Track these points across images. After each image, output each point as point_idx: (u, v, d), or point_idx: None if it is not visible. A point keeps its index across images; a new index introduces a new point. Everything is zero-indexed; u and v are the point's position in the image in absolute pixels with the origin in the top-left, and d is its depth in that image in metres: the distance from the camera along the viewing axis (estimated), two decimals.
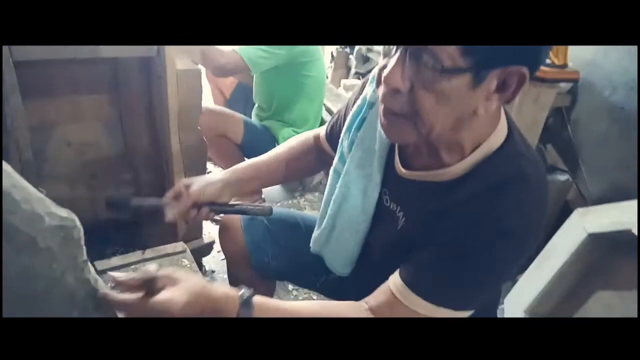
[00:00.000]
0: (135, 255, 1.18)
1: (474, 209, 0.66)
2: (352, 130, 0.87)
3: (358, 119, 0.87)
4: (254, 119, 1.96)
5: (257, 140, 1.86)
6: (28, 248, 0.51)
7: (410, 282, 0.70)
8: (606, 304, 1.31)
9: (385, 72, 0.62)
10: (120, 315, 0.63)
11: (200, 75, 1.35)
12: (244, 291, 0.68)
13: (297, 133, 1.90)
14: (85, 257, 0.59)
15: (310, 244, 0.99)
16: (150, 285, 0.60)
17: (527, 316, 1.43)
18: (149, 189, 1.63)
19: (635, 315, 1.22)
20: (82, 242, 0.59)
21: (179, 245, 1.24)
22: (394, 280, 0.73)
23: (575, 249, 1.33)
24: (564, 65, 1.49)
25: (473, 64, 0.57)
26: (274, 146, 1.87)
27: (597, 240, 1.31)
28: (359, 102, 0.89)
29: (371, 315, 0.73)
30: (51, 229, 0.53)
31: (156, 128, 1.50)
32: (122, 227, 1.67)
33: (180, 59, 1.31)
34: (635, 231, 1.18)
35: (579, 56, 1.91)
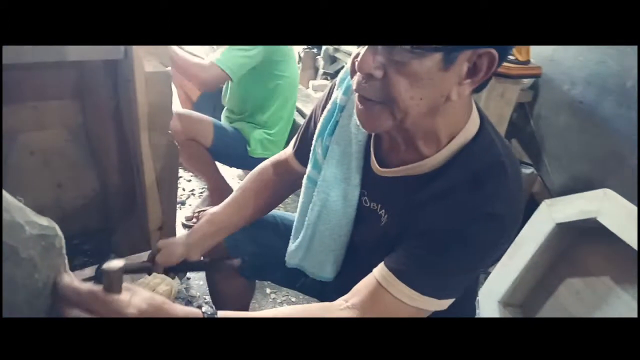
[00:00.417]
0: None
1: (456, 198, 0.68)
2: (325, 135, 0.87)
3: (330, 123, 0.87)
4: (223, 122, 1.94)
5: (228, 143, 1.83)
6: (10, 258, 0.49)
7: (396, 270, 0.71)
8: (575, 290, 1.36)
9: (358, 59, 0.63)
10: (67, 306, 0.55)
11: (170, 78, 1.32)
12: (205, 310, 0.67)
13: (269, 135, 1.89)
14: (67, 266, 0.57)
15: (286, 259, 0.98)
16: (110, 281, 0.56)
17: (501, 307, 1.47)
18: (118, 197, 1.58)
19: (603, 304, 1.27)
20: (64, 251, 0.57)
21: None
22: (379, 269, 0.73)
23: (544, 239, 1.38)
24: (527, 62, 1.54)
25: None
26: (245, 149, 1.87)
27: (564, 229, 1.37)
28: (328, 107, 0.88)
29: (349, 314, 0.72)
30: (32, 238, 0.51)
31: (124, 133, 1.46)
32: (91, 237, 1.62)
33: (148, 61, 1.28)
34: (601, 219, 1.24)
35: (539, 52, 1.98)
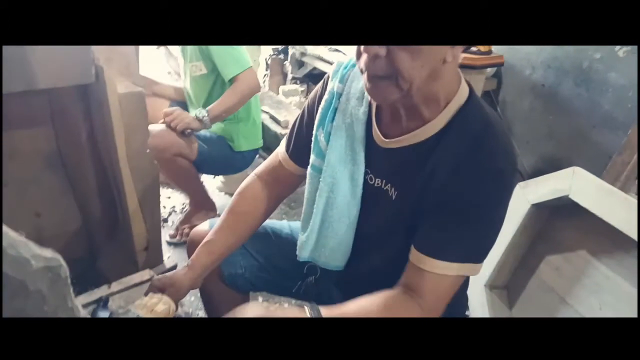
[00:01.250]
0: (102, 290, 1.14)
1: (461, 161, 0.73)
2: (326, 123, 0.92)
3: (329, 111, 0.91)
4: (201, 131, 1.94)
5: (212, 150, 1.83)
6: (19, 293, 0.50)
7: (429, 251, 0.75)
8: (555, 266, 1.43)
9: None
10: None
11: (144, 97, 1.31)
12: (310, 307, 0.73)
13: (247, 125, 1.90)
14: (72, 295, 0.58)
15: (298, 252, 0.99)
16: None
17: (487, 290, 1.52)
18: (100, 221, 1.57)
19: (582, 276, 1.34)
20: (69, 280, 0.58)
21: (146, 274, 1.20)
22: (413, 256, 0.78)
23: (521, 221, 1.43)
24: (489, 52, 1.60)
25: None
26: (229, 151, 1.87)
27: (539, 209, 1.43)
28: (326, 97, 0.93)
29: (411, 302, 0.76)
30: (39, 271, 0.52)
31: (101, 156, 1.45)
32: (74, 265, 1.60)
33: (120, 82, 1.28)
34: (572, 196, 1.30)
35: None
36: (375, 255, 0.81)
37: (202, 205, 1.95)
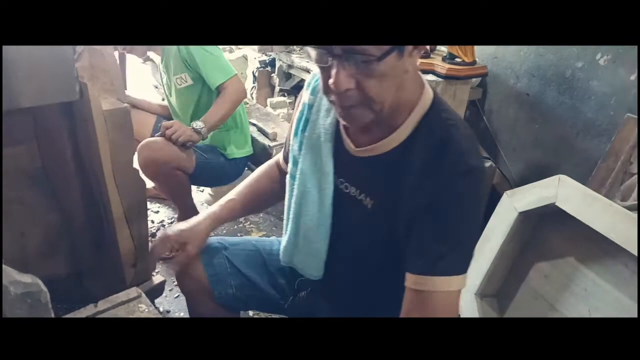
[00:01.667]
0: (88, 310, 1.12)
1: (431, 166, 0.74)
2: (299, 133, 0.94)
3: (302, 121, 0.94)
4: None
5: (207, 161, 1.84)
6: None
7: (422, 269, 0.74)
8: (544, 274, 1.43)
9: (332, 81, 0.70)
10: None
11: (129, 113, 1.31)
12: None
13: (237, 132, 1.92)
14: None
15: (280, 256, 1.01)
16: None
17: (478, 299, 1.52)
18: (86, 239, 1.55)
19: (571, 283, 1.34)
20: (50, 305, 0.57)
21: (132, 292, 1.19)
22: (408, 278, 0.76)
23: (509, 229, 1.44)
24: (474, 62, 1.62)
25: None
26: (222, 160, 1.87)
27: (527, 217, 1.43)
28: (299, 107, 0.96)
29: None
30: (18, 298, 0.51)
31: (86, 173, 1.43)
32: (61, 282, 1.57)
33: (104, 99, 1.27)
34: (559, 204, 1.31)
35: (483, 51, 2.08)
36: (359, 267, 0.81)
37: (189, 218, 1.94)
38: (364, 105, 0.73)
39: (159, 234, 1.03)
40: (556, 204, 1.31)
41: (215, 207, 1.03)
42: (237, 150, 1.91)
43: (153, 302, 1.62)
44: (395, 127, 0.80)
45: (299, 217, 0.94)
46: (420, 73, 0.82)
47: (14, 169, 1.42)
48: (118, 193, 1.36)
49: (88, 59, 1.22)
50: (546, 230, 1.44)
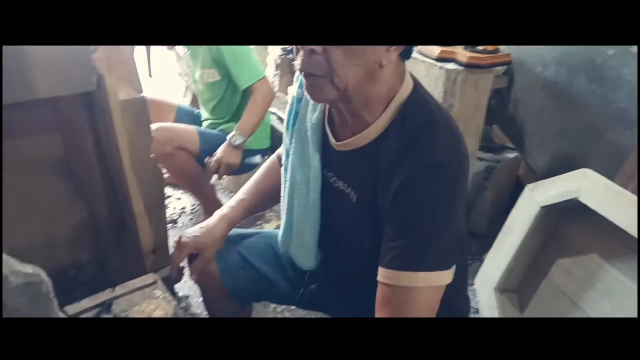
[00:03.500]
0: (105, 294, 1.15)
1: (401, 159, 0.73)
2: (290, 126, 0.95)
3: (292, 115, 0.95)
4: (208, 130, 1.95)
5: (216, 146, 1.84)
6: None
7: (390, 263, 0.75)
8: (566, 270, 1.39)
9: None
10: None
11: (146, 103, 1.32)
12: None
13: None
14: (57, 310, 0.58)
15: (279, 245, 1.02)
16: None
17: (497, 293, 1.49)
18: (108, 225, 1.58)
19: (594, 279, 1.30)
20: (52, 294, 0.58)
21: (149, 277, 1.22)
22: (380, 273, 0.77)
23: (531, 223, 1.40)
24: (496, 50, 1.57)
25: None
26: (253, 163, 1.87)
27: (549, 211, 1.39)
28: (290, 101, 0.97)
29: None
30: (18, 288, 0.52)
31: (107, 163, 1.46)
32: (85, 268, 1.62)
33: (121, 89, 1.28)
34: (582, 199, 1.26)
35: None
36: (354, 260, 0.81)
37: (213, 211, 1.96)
38: (327, 77, 0.73)
39: (175, 240, 1.04)
40: (579, 198, 1.27)
41: (227, 208, 1.03)
42: (255, 142, 1.91)
43: (172, 287, 1.65)
44: (370, 122, 0.79)
45: (291, 208, 0.95)
46: (406, 70, 0.80)
47: (39, 157, 1.46)
48: (136, 181, 1.38)
49: (105, 50, 1.23)
50: (569, 225, 1.39)
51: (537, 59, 1.94)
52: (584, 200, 1.25)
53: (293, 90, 0.95)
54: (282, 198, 0.99)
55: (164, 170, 1.86)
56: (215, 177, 1.79)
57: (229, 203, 1.06)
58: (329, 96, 0.75)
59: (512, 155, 2.00)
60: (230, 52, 1.70)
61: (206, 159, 1.76)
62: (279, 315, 1.61)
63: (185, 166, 1.83)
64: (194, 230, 1.01)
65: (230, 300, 1.10)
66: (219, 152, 1.74)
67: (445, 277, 0.75)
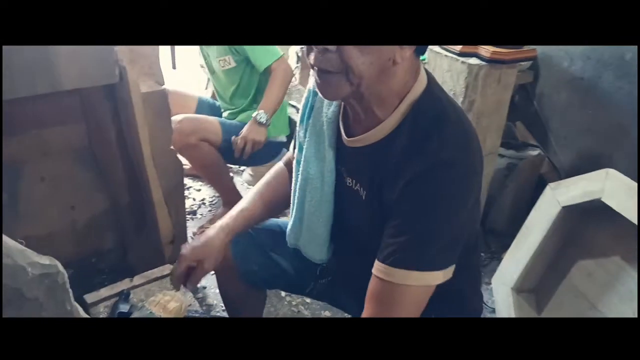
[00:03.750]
0: (124, 284, 1.18)
1: (409, 156, 0.73)
2: (304, 119, 0.94)
3: (307, 108, 0.94)
4: (228, 120, 1.97)
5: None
6: (14, 300, 0.52)
7: (387, 258, 0.75)
8: (587, 272, 1.36)
9: None
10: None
11: (167, 96, 1.34)
12: None
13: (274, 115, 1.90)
14: (72, 300, 0.60)
15: (287, 238, 1.01)
16: None
17: (515, 293, 1.47)
18: (130, 215, 1.62)
19: (616, 282, 1.27)
20: (68, 285, 0.60)
21: (166, 268, 1.24)
22: (376, 266, 0.77)
23: (551, 223, 1.37)
24: (520, 45, 1.53)
25: None
26: (277, 141, 1.88)
27: (570, 211, 1.36)
28: (305, 94, 0.96)
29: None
30: (35, 279, 0.54)
31: (129, 154, 1.49)
32: (106, 255, 1.67)
33: (143, 81, 1.31)
34: (605, 199, 1.23)
35: None
36: (364, 255, 0.81)
37: (233, 203, 1.98)
38: (341, 74, 0.71)
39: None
40: (602, 199, 1.24)
41: (227, 218, 1.01)
42: (273, 129, 1.91)
43: None
44: (382, 118, 0.78)
45: (302, 202, 0.95)
46: (421, 66, 0.79)
47: (64, 146, 1.50)
48: (157, 173, 1.41)
49: None
50: (591, 226, 1.36)
51: (563, 53, 1.89)
52: (607, 201, 1.22)
53: (310, 83, 0.95)
54: (292, 191, 0.99)
55: (185, 162, 1.90)
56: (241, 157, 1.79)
57: (230, 212, 1.03)
58: (342, 93, 0.74)
59: (535, 152, 1.96)
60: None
61: (233, 138, 1.78)
62: (294, 309, 1.62)
63: (208, 157, 1.85)
64: (194, 242, 1.01)
65: (243, 286, 1.11)
66: (244, 130, 1.76)
67: (438, 277, 0.75)
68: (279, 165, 1.12)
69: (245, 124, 1.89)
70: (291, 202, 0.99)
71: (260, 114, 1.74)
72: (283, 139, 2.00)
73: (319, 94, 0.86)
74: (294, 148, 1.04)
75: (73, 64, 1.15)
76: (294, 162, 0.98)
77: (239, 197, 1.99)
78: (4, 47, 0.98)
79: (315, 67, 0.74)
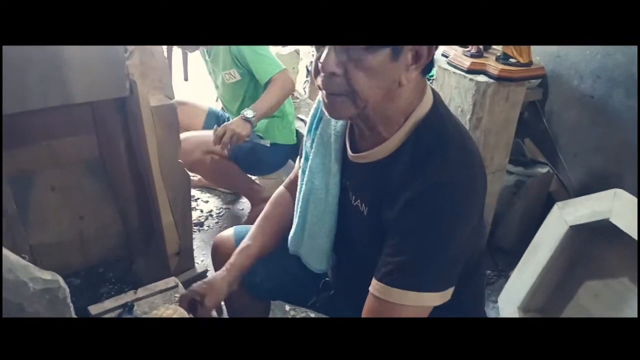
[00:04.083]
0: (128, 296, 1.18)
1: (410, 176, 0.73)
2: (312, 130, 0.95)
3: (315, 119, 0.95)
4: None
5: (242, 146, 1.86)
6: (15, 315, 0.52)
7: (384, 277, 0.75)
8: (594, 293, 1.34)
9: (321, 60, 0.71)
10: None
11: (176, 110, 1.36)
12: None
13: (282, 122, 1.93)
14: (73, 314, 0.61)
15: (288, 245, 1.02)
16: None
17: (521, 313, 1.45)
18: (137, 226, 1.64)
19: (623, 304, 1.25)
20: (69, 300, 0.60)
21: (171, 281, 1.24)
22: (373, 284, 0.78)
23: (558, 243, 1.36)
24: (529, 63, 1.53)
25: None
26: (261, 148, 1.89)
27: (578, 231, 1.35)
28: (314, 105, 0.97)
29: None
30: (37, 293, 0.55)
31: (138, 166, 1.51)
32: (113, 265, 1.68)
33: (152, 95, 1.33)
34: (613, 220, 1.22)
35: (544, 50, 1.96)
36: (366, 269, 0.81)
37: (256, 197, 1.99)
38: (348, 97, 0.72)
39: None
40: (610, 219, 1.22)
41: (233, 256, 1.03)
42: (280, 136, 1.93)
43: None
44: (386, 137, 0.79)
45: (305, 211, 0.95)
46: (427, 85, 0.80)
47: (75, 157, 1.52)
48: (164, 185, 1.43)
49: (139, 57, 1.28)
50: (599, 246, 1.35)
51: (574, 71, 1.88)
52: (615, 221, 1.21)
53: (319, 95, 0.96)
54: (296, 200, 0.99)
55: (193, 174, 1.91)
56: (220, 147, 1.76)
57: (235, 251, 1.05)
58: (348, 114, 0.75)
59: (544, 170, 1.94)
60: (251, 49, 1.75)
61: (215, 127, 1.77)
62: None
63: (218, 167, 1.87)
64: (205, 280, 1.02)
65: (247, 297, 1.11)
66: (230, 122, 1.77)
67: (436, 298, 0.75)
68: (279, 191, 1.12)
69: (252, 135, 1.91)
70: (295, 210, 1.00)
71: (247, 111, 1.74)
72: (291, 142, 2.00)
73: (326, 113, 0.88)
74: (299, 158, 1.06)
75: (84, 78, 1.18)
76: (300, 171, 0.99)
77: (261, 191, 2.01)
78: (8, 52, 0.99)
79: (322, 90, 0.75)
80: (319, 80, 0.74)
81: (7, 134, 1.28)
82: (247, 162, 1.93)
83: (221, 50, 1.83)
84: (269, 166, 2.03)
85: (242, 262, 1.02)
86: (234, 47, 1.78)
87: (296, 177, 1.08)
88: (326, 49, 0.70)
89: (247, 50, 1.75)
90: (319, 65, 0.72)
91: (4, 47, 1.04)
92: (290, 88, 1.83)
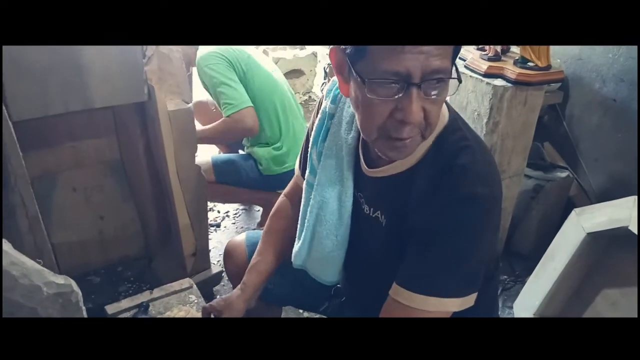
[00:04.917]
0: (144, 296, 1.22)
1: (433, 189, 0.73)
2: (319, 142, 0.94)
3: (322, 131, 0.94)
4: (243, 152, 1.99)
5: (232, 171, 1.85)
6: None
7: (406, 283, 0.75)
8: (611, 301, 1.32)
9: (404, 114, 0.67)
10: None
11: (192, 114, 1.38)
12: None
13: (276, 149, 1.86)
14: (84, 317, 0.63)
15: (292, 259, 1.01)
16: None
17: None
18: (155, 226, 1.67)
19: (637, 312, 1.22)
20: (81, 304, 0.62)
21: (185, 282, 1.27)
22: (393, 288, 0.77)
23: (576, 249, 1.34)
24: (548, 67, 1.50)
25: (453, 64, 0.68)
26: (256, 172, 1.87)
27: (596, 239, 1.32)
28: (319, 116, 0.95)
29: None
30: (50, 297, 0.57)
31: (156, 168, 1.54)
32: (132, 265, 1.72)
33: (170, 100, 1.35)
34: (632, 228, 1.19)
35: (566, 52, 1.92)
36: (379, 279, 0.81)
37: (264, 202, 1.99)
38: (420, 132, 0.71)
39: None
40: (629, 227, 1.20)
41: (245, 275, 1.04)
42: (275, 167, 1.86)
43: (211, 290, 1.72)
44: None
45: (315, 225, 0.94)
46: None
47: (97, 158, 1.56)
48: (180, 186, 1.45)
49: (157, 63, 1.31)
50: (617, 254, 1.32)
51: (595, 74, 1.84)
52: (634, 229, 1.18)
53: (324, 105, 0.94)
54: (302, 213, 0.98)
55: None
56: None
57: (248, 267, 1.05)
58: (415, 148, 0.74)
59: (563, 174, 1.91)
60: (213, 84, 1.71)
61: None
62: None
63: (212, 192, 1.79)
64: (223, 297, 1.04)
65: (258, 303, 1.13)
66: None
67: (457, 304, 0.75)
68: (280, 203, 1.11)
69: (248, 155, 1.90)
70: (299, 223, 0.99)
71: None
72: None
73: (340, 115, 0.88)
74: (300, 166, 1.05)
75: (104, 83, 1.21)
76: (305, 184, 0.98)
77: (271, 198, 1.93)
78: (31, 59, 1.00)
79: (390, 137, 0.71)
80: (403, 133, 0.70)
81: (33, 136, 1.33)
82: (234, 178, 1.88)
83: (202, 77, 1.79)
84: (263, 185, 1.93)
85: (254, 280, 1.03)
86: (205, 81, 1.76)
87: (297, 185, 1.08)
88: (407, 100, 0.66)
89: (209, 87, 1.74)
90: (401, 119, 0.68)
91: (27, 54, 1.08)
92: (247, 128, 1.74)
